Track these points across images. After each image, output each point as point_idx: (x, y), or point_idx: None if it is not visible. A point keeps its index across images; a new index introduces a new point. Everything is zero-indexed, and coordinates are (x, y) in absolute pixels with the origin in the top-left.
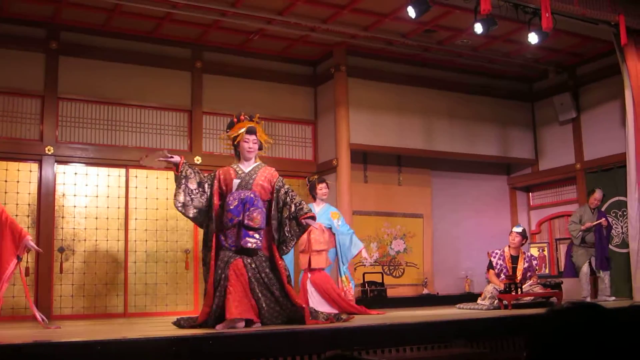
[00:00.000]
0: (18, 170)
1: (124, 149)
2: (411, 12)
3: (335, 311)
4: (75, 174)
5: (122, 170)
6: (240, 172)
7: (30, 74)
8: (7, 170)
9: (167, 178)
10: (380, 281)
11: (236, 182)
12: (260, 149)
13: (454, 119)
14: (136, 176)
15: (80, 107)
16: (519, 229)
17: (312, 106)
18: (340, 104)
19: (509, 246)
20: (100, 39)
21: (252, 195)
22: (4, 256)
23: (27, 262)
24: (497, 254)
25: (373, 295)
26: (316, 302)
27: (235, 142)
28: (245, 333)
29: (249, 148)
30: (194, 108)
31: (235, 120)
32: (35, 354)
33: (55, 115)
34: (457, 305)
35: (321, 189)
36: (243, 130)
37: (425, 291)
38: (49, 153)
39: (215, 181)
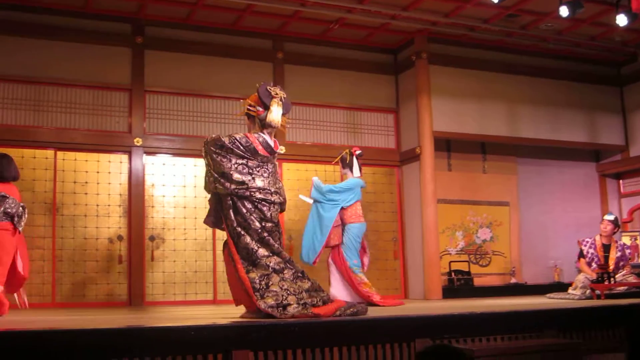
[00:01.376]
0: (109, 161)
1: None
2: None
3: (358, 298)
4: (163, 164)
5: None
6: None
7: (118, 68)
8: (98, 161)
9: None
10: (467, 270)
11: None
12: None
13: (539, 105)
14: None
15: (166, 100)
16: (611, 217)
17: (393, 94)
18: (422, 91)
19: (600, 235)
20: (184, 33)
21: None
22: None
23: (120, 250)
24: (587, 242)
25: (459, 285)
26: (336, 283)
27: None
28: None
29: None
30: None
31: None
32: (129, 338)
33: (142, 107)
34: (548, 295)
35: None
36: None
37: (513, 280)
38: (138, 144)
39: None
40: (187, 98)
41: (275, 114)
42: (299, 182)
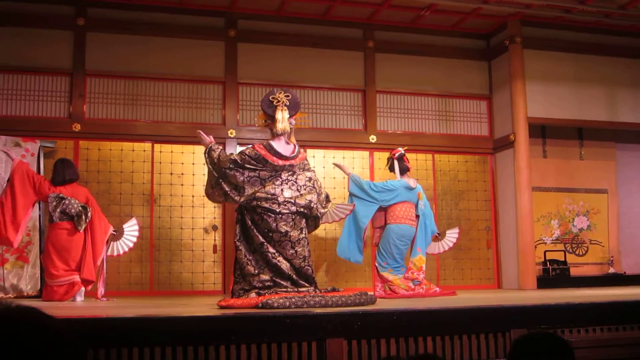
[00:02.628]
0: (204, 153)
1: (301, 129)
2: None
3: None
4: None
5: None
6: None
7: (212, 61)
8: (194, 153)
9: (343, 157)
10: (563, 259)
11: None
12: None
13: (639, 87)
14: (314, 156)
15: (259, 91)
16: None
17: (486, 80)
18: (516, 76)
19: None
20: (275, 25)
21: None
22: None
23: (215, 239)
24: None
25: (555, 274)
26: None
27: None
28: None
29: None
30: (367, 87)
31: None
32: (225, 325)
33: (235, 99)
34: None
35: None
36: None
37: (611, 270)
38: (232, 136)
39: None
40: (279, 89)
41: (280, 120)
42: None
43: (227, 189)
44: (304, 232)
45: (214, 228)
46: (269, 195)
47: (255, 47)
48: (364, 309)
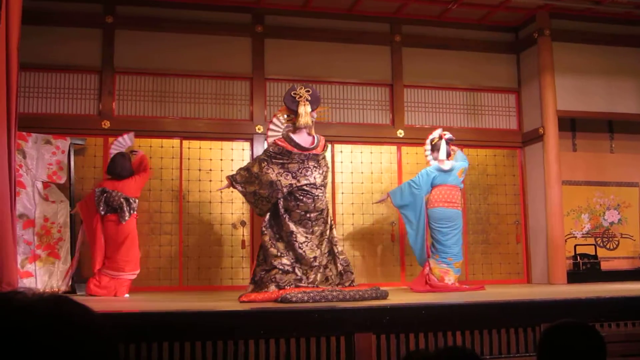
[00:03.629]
0: (232, 149)
1: (328, 125)
2: None
3: None
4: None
5: (328, 146)
6: None
7: (239, 57)
8: (221, 149)
9: (371, 152)
10: (593, 253)
11: None
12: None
13: None
14: (341, 151)
15: (286, 87)
16: None
17: (514, 74)
18: (545, 69)
19: None
20: (302, 20)
21: None
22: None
23: (243, 235)
24: None
25: (585, 269)
26: None
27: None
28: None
29: None
30: (394, 82)
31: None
32: (253, 320)
33: (263, 95)
34: None
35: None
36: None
37: None
38: (259, 132)
39: None
40: (306, 84)
41: (303, 115)
42: (419, 165)
43: (266, 192)
44: (327, 206)
45: (242, 224)
46: (308, 183)
47: (282, 43)
48: (392, 303)
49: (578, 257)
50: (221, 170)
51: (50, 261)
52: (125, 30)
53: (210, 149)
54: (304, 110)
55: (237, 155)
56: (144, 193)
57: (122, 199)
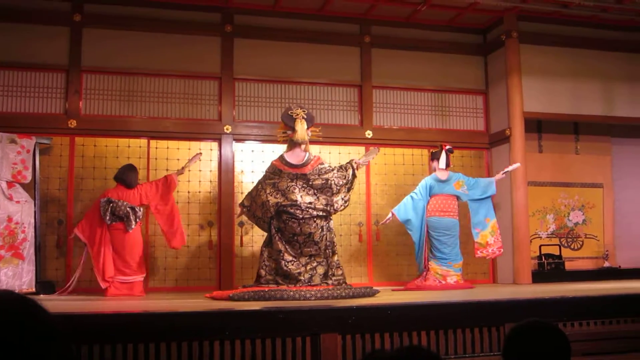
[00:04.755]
0: (200, 149)
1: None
2: None
3: None
4: (252, 151)
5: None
6: None
7: (208, 57)
8: (189, 149)
9: (339, 153)
10: (558, 254)
11: None
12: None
13: (635, 82)
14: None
15: (255, 87)
16: None
17: (482, 75)
18: (512, 71)
19: None
20: (271, 20)
21: None
22: None
23: (211, 235)
24: None
25: (550, 269)
26: None
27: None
28: (425, 304)
29: None
30: (363, 82)
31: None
32: (219, 320)
33: (232, 95)
34: None
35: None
36: None
37: (607, 264)
38: (228, 132)
39: None
40: (275, 85)
41: (300, 131)
42: (386, 166)
43: (260, 213)
44: (324, 230)
45: (210, 224)
46: (292, 202)
47: (252, 43)
48: (358, 303)
49: (543, 257)
50: (189, 171)
51: (14, 262)
52: (93, 28)
53: (178, 148)
54: (300, 126)
55: (205, 155)
56: None
57: (128, 208)
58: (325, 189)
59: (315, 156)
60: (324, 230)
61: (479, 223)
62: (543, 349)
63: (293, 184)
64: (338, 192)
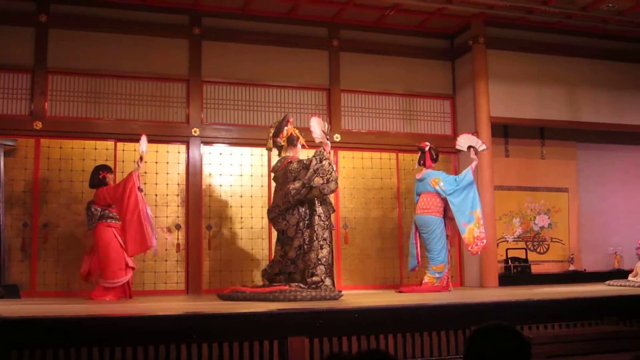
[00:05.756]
0: (167, 152)
1: (265, 128)
2: None
3: None
4: (220, 154)
5: (264, 150)
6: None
7: (176, 59)
8: (157, 152)
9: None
10: (524, 257)
11: None
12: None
13: (600, 88)
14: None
15: (223, 90)
16: None
17: (450, 80)
18: (479, 76)
19: None
20: (240, 23)
21: None
22: None
23: (178, 238)
24: None
25: (516, 272)
26: None
27: (296, 136)
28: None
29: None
30: (332, 86)
31: (290, 120)
32: (187, 324)
33: (200, 98)
34: (607, 282)
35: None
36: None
37: (572, 268)
38: (195, 134)
39: None
40: (243, 88)
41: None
42: (355, 170)
43: None
44: (300, 225)
45: (177, 227)
46: (272, 205)
47: (220, 46)
48: (327, 307)
49: (509, 261)
50: (156, 173)
51: None
52: (59, 29)
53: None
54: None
55: (172, 158)
56: (76, 195)
57: (86, 209)
58: (285, 183)
59: (287, 156)
60: (300, 226)
61: (464, 217)
62: (503, 352)
63: (278, 186)
64: (293, 180)
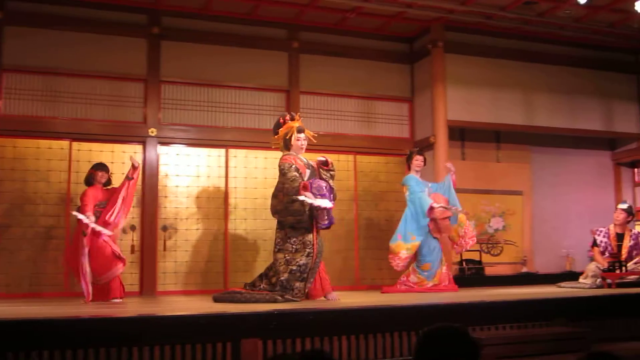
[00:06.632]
0: (123, 152)
1: (223, 129)
2: None
3: None
4: (177, 154)
5: (222, 151)
6: (306, 163)
7: (134, 59)
8: (113, 152)
9: (265, 158)
10: (478, 259)
11: (308, 171)
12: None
13: (555, 93)
14: (235, 156)
15: (182, 90)
16: (624, 206)
17: (408, 83)
18: (437, 80)
19: (614, 224)
20: (200, 23)
21: (328, 184)
22: None
23: (133, 240)
24: (601, 231)
25: (470, 274)
26: None
27: (287, 138)
28: (349, 307)
29: (302, 144)
30: (291, 88)
31: (281, 121)
32: (139, 326)
33: (157, 98)
34: (558, 284)
35: (416, 159)
36: (293, 128)
37: (525, 270)
38: (152, 135)
39: None
40: (202, 88)
41: None
42: None
43: None
44: (276, 239)
45: (132, 228)
46: None
47: (179, 45)
48: (280, 308)
49: (464, 263)
50: (112, 174)
51: None
52: (14, 26)
53: (102, 151)
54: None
55: (129, 158)
56: (29, 196)
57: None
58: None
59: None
60: (276, 239)
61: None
62: (451, 353)
63: None
64: (276, 194)
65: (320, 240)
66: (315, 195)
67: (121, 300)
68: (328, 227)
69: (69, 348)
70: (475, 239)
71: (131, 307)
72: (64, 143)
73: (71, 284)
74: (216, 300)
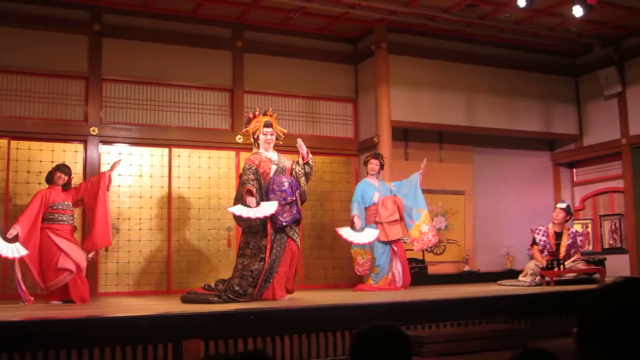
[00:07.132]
0: (64, 151)
1: (166, 128)
2: None
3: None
4: (120, 153)
5: (165, 150)
6: (273, 159)
7: (75, 56)
8: (53, 151)
9: (209, 157)
10: (421, 258)
11: (273, 167)
12: (277, 139)
13: (496, 94)
14: (179, 155)
15: (124, 88)
16: (563, 205)
17: (352, 84)
18: (381, 81)
19: (553, 222)
20: (142, 20)
21: (293, 180)
22: None
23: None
24: (540, 230)
25: (413, 273)
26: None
27: (255, 136)
28: (290, 307)
29: (267, 140)
30: (235, 87)
31: (251, 116)
32: (80, 328)
33: (99, 96)
34: (498, 282)
35: (370, 163)
36: (260, 124)
37: (467, 268)
38: (94, 134)
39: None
40: (145, 87)
41: None
42: None
43: None
44: (239, 243)
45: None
46: None
47: (121, 43)
48: (221, 309)
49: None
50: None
51: None
52: None
53: (41, 150)
54: None
55: (69, 157)
56: None
57: None
58: None
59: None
60: (241, 242)
61: (410, 215)
62: (383, 352)
63: None
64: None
65: (282, 241)
66: (273, 192)
67: (60, 302)
68: (295, 222)
69: (7, 352)
70: (437, 237)
71: (71, 310)
72: (2, 142)
73: (10, 286)
74: (183, 301)
